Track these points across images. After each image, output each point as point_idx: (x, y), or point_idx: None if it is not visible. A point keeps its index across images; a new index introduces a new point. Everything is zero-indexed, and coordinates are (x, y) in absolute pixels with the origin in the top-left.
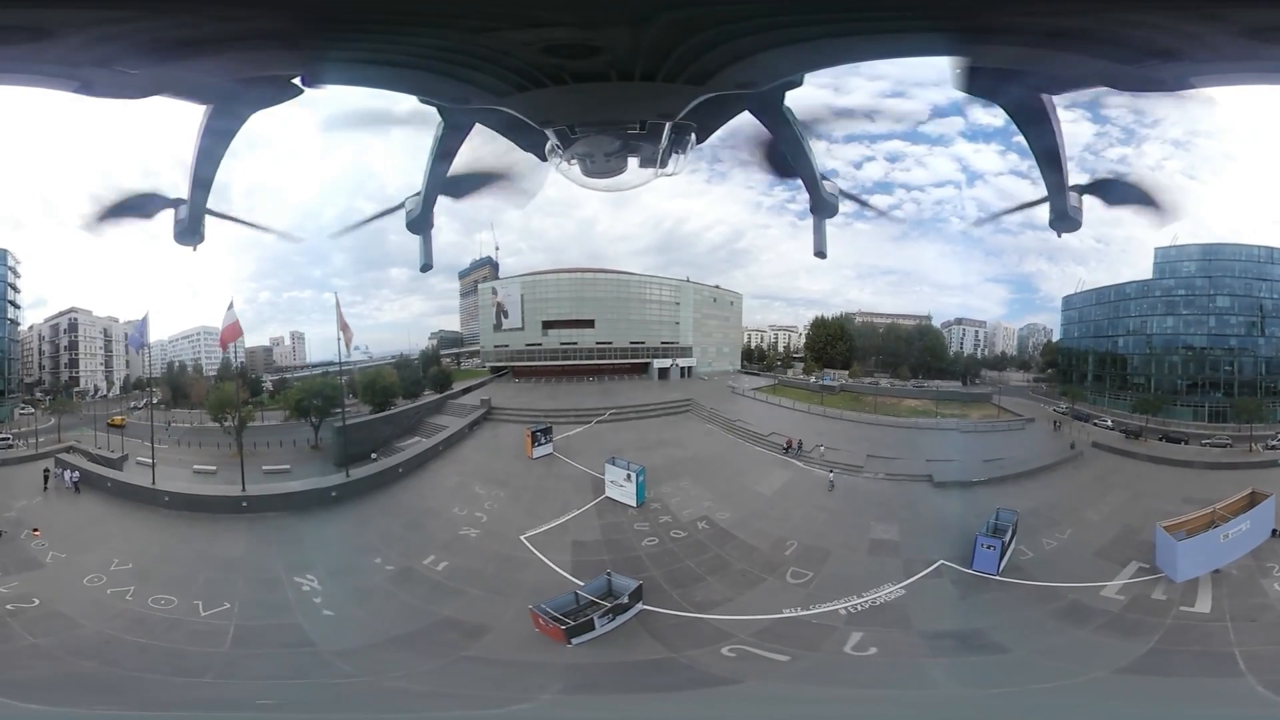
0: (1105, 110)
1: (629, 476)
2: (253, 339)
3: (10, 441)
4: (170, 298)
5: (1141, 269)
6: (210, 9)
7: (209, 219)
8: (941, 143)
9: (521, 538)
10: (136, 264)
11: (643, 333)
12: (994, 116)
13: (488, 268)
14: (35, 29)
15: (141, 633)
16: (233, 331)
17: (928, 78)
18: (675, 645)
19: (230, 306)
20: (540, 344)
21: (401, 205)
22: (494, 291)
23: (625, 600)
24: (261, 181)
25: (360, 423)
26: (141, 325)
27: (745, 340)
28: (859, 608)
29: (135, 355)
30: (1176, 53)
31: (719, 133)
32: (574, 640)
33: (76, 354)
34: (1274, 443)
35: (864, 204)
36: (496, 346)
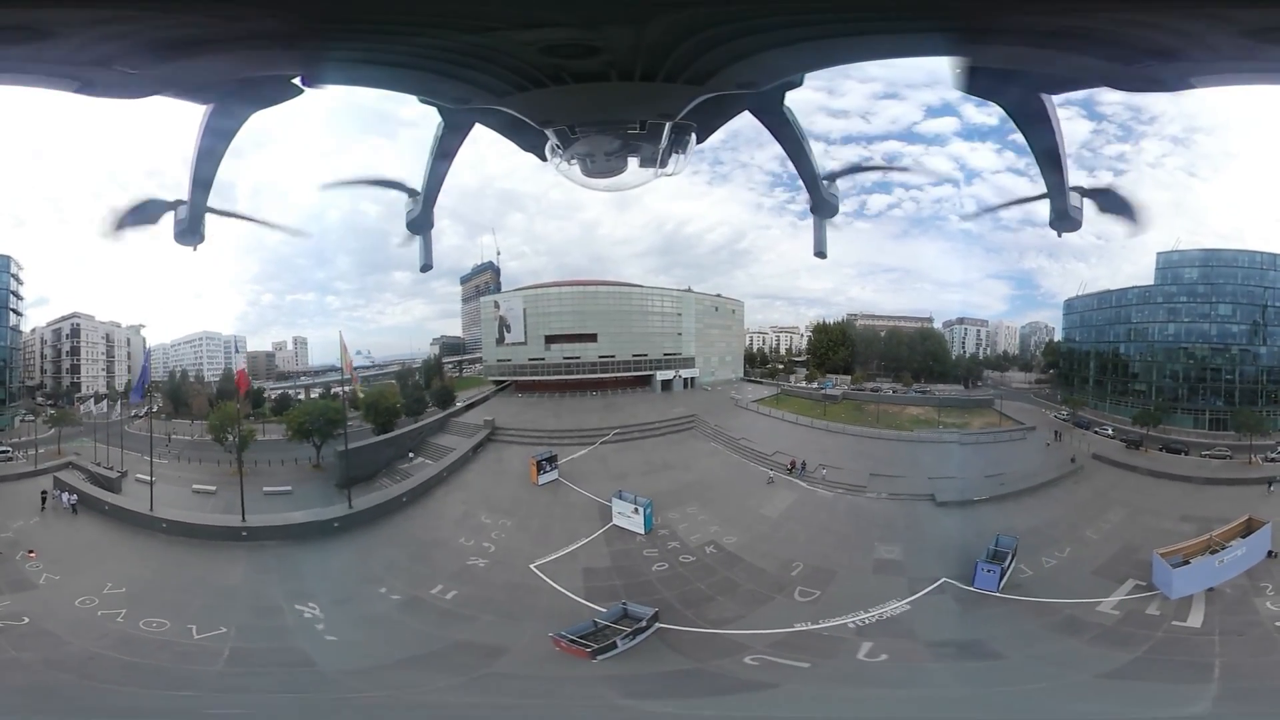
0: (1101, 107)
1: (636, 509)
2: (255, 343)
3: (10, 454)
4: (173, 301)
5: (1142, 266)
6: (210, 9)
7: (213, 220)
8: (938, 142)
9: (532, 566)
10: (139, 267)
11: (645, 345)
12: (988, 115)
13: (489, 273)
14: (35, 29)
15: (127, 651)
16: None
17: (918, 79)
18: (699, 657)
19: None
20: (543, 359)
21: (401, 186)
22: (496, 305)
23: (644, 624)
24: (266, 181)
25: (363, 446)
26: (144, 371)
27: (747, 343)
28: (867, 622)
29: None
30: (1176, 53)
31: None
32: (599, 657)
33: (78, 359)
34: (1273, 455)
35: (885, 169)
36: (499, 360)
